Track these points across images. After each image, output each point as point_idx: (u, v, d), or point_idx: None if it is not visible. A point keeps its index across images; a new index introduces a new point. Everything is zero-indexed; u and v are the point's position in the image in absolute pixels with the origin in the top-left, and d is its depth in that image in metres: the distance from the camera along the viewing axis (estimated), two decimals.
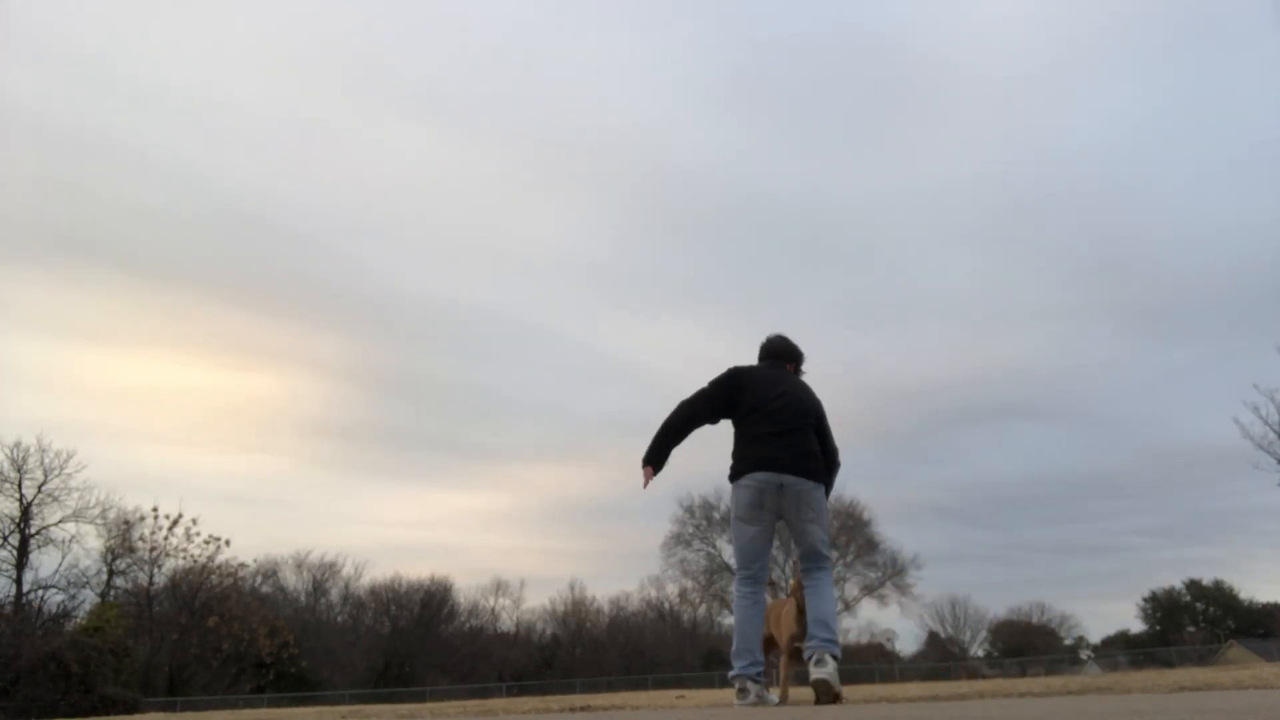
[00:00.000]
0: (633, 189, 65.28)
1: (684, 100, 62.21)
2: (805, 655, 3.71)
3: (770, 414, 4.04)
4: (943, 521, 67.98)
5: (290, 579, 42.36)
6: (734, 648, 3.90)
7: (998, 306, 62.45)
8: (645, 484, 4.08)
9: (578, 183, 63.59)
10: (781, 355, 4.47)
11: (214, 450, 52.22)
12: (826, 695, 3.60)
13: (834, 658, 3.66)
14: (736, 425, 4.17)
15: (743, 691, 3.79)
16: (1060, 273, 62.12)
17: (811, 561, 4.01)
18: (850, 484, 68.94)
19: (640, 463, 4.12)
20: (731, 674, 3.86)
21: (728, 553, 42.12)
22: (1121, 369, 62.17)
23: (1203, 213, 57.67)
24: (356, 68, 58.44)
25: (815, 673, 3.64)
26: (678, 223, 65.01)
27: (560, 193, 62.54)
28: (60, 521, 26.77)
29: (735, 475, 4.04)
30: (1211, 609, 52.56)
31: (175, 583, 30.74)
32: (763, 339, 4.59)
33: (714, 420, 4.21)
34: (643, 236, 64.98)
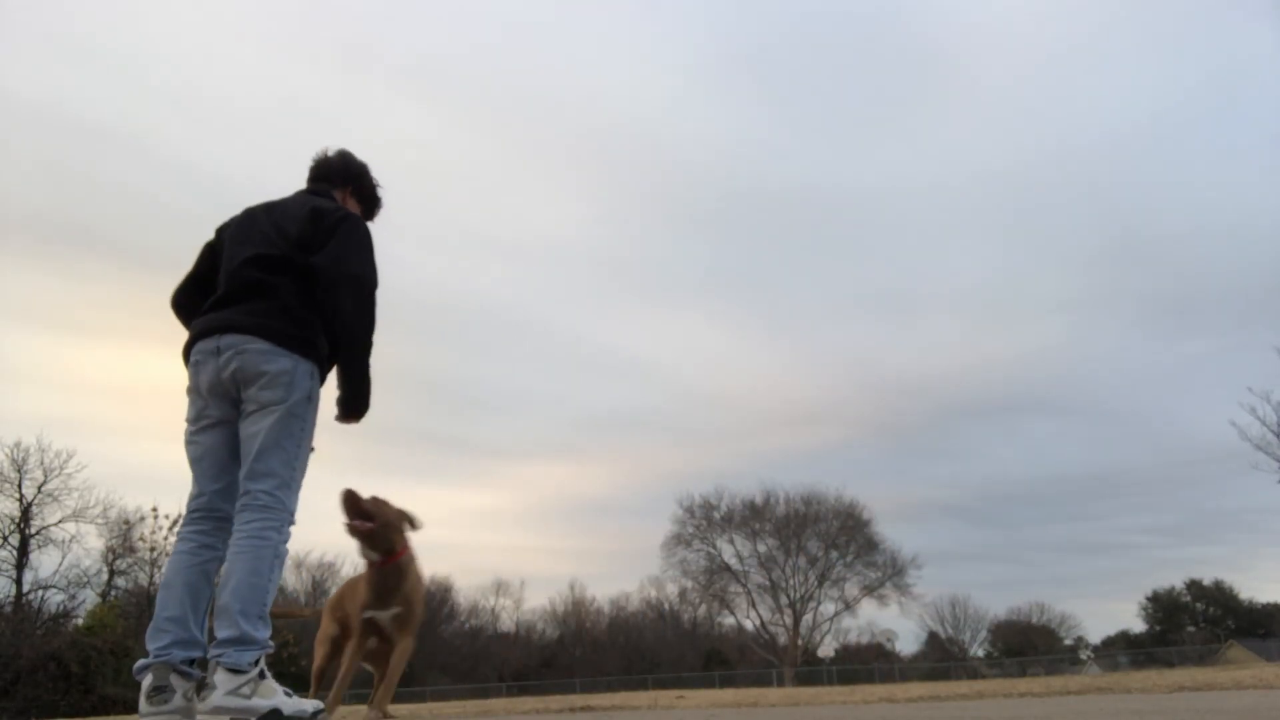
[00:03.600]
0: (635, 177, 64.86)
1: (689, 84, 61.42)
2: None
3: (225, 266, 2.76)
4: (945, 519, 68.00)
5: (289, 579, 42.43)
6: (154, 616, 2.50)
7: (1007, 298, 61.64)
8: None
9: (577, 170, 63.09)
10: (322, 177, 3.09)
11: None
12: None
13: (234, 670, 2.36)
14: None
15: (161, 690, 2.38)
16: (1072, 264, 61.10)
17: (241, 493, 2.55)
18: (851, 482, 69.02)
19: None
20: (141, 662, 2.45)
21: (728, 553, 42.20)
22: (1131, 362, 61.64)
23: (1219, 201, 56.43)
24: (349, 49, 57.97)
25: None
26: (681, 212, 64.25)
27: (559, 180, 62.15)
28: (60, 521, 26.76)
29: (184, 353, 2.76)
30: (1212, 609, 52.56)
31: None
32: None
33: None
34: (644, 226, 64.18)
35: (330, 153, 3.14)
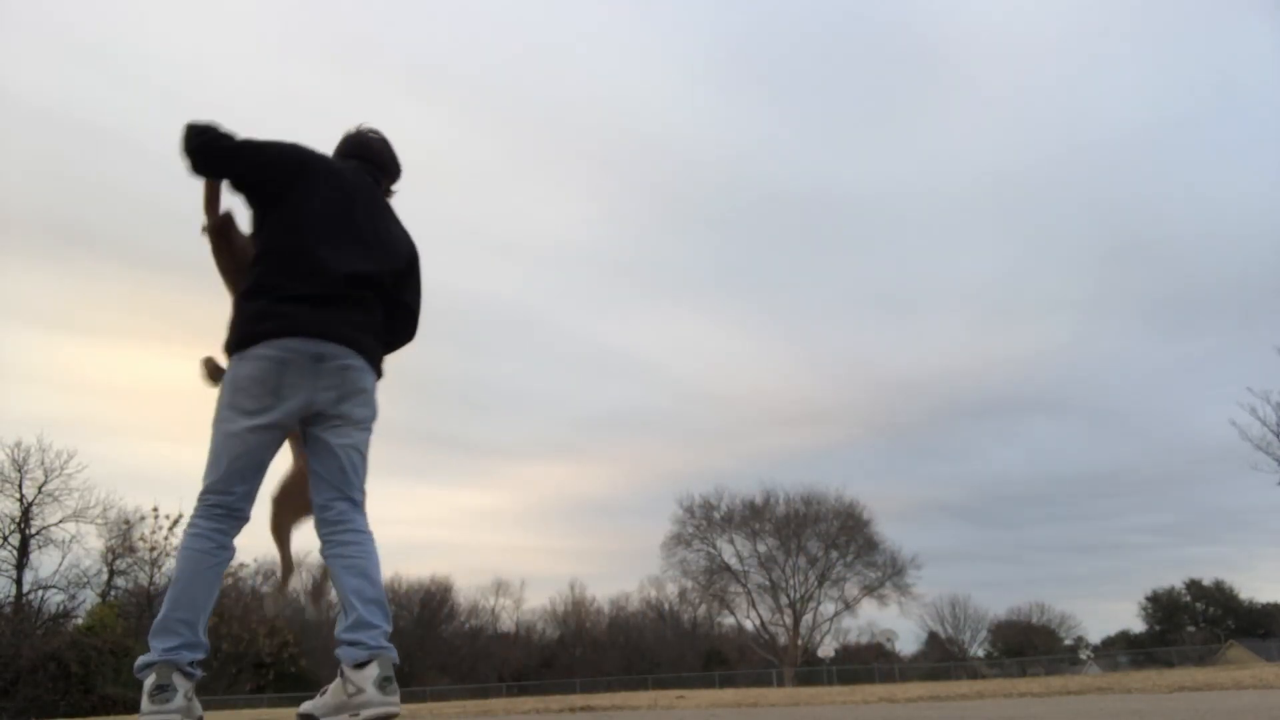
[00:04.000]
0: (637, 176, 64.35)
1: (693, 84, 61.13)
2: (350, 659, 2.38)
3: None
4: (945, 519, 67.94)
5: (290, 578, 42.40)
6: (164, 614, 2.39)
7: (1010, 299, 61.34)
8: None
9: (579, 168, 62.74)
10: (380, 166, 2.94)
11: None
12: None
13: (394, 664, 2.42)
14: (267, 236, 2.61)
15: (164, 690, 2.32)
16: (1075, 265, 60.86)
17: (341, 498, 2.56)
18: (852, 482, 68.92)
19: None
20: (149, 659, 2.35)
21: (728, 553, 42.21)
22: (1133, 362, 61.07)
23: (1223, 201, 55.93)
24: (350, 48, 57.76)
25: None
26: (683, 212, 63.76)
27: (560, 178, 61.94)
28: (60, 521, 26.76)
29: (239, 342, 2.52)
30: (1211, 609, 52.57)
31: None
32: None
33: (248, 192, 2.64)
34: (647, 225, 63.78)
35: (373, 135, 2.97)
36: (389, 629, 2.43)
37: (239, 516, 2.53)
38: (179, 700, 2.33)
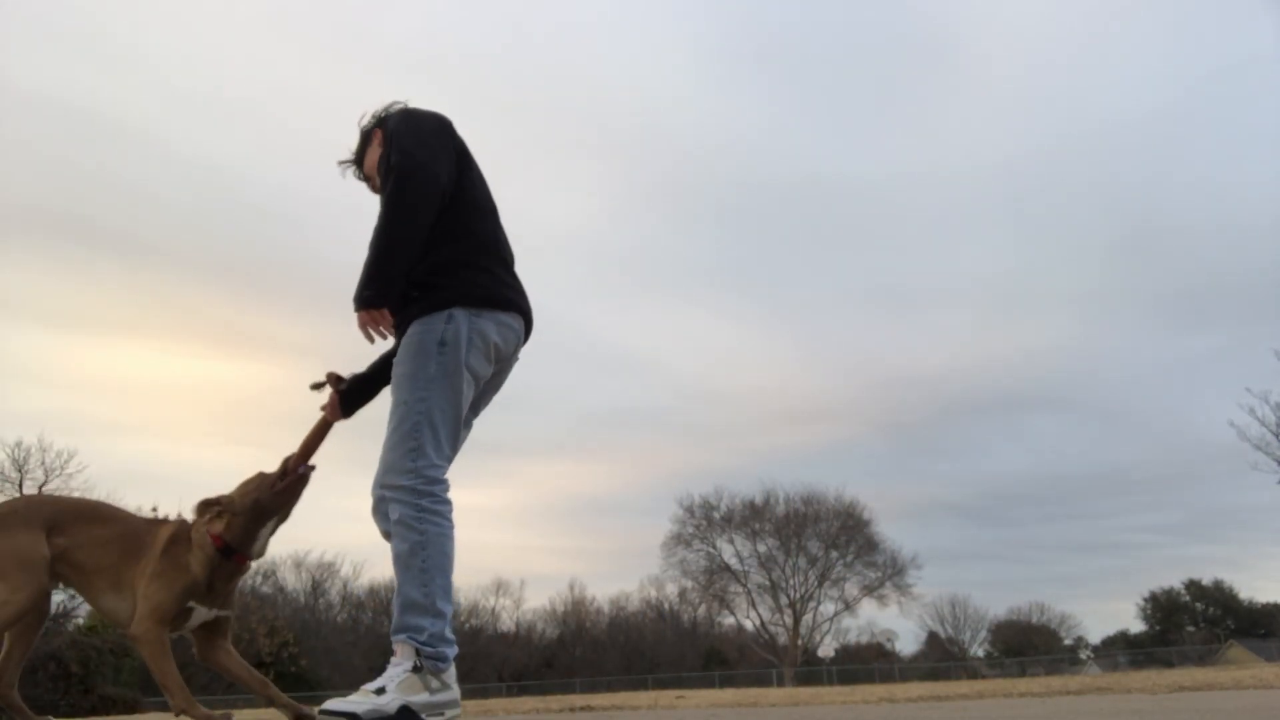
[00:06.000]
0: (638, 165, 63.41)
1: (696, 72, 59.61)
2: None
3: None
4: (946, 518, 67.73)
5: (289, 579, 42.41)
6: (434, 597, 2.15)
7: (1015, 292, 60.46)
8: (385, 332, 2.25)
9: (576, 158, 62.00)
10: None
11: (210, 445, 51.98)
12: None
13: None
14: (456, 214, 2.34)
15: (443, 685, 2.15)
16: (1083, 257, 59.98)
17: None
18: (852, 480, 68.65)
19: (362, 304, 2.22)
20: (428, 649, 2.14)
21: (728, 553, 42.20)
22: (1139, 359, 60.13)
23: (1235, 193, 54.34)
24: (348, 36, 57.10)
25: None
26: (686, 204, 62.47)
27: (557, 168, 61.34)
28: None
29: (487, 299, 2.30)
30: (1211, 609, 52.56)
31: None
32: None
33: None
34: (642, 216, 62.38)
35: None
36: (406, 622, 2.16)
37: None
38: (453, 689, 2.20)
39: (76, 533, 2.60)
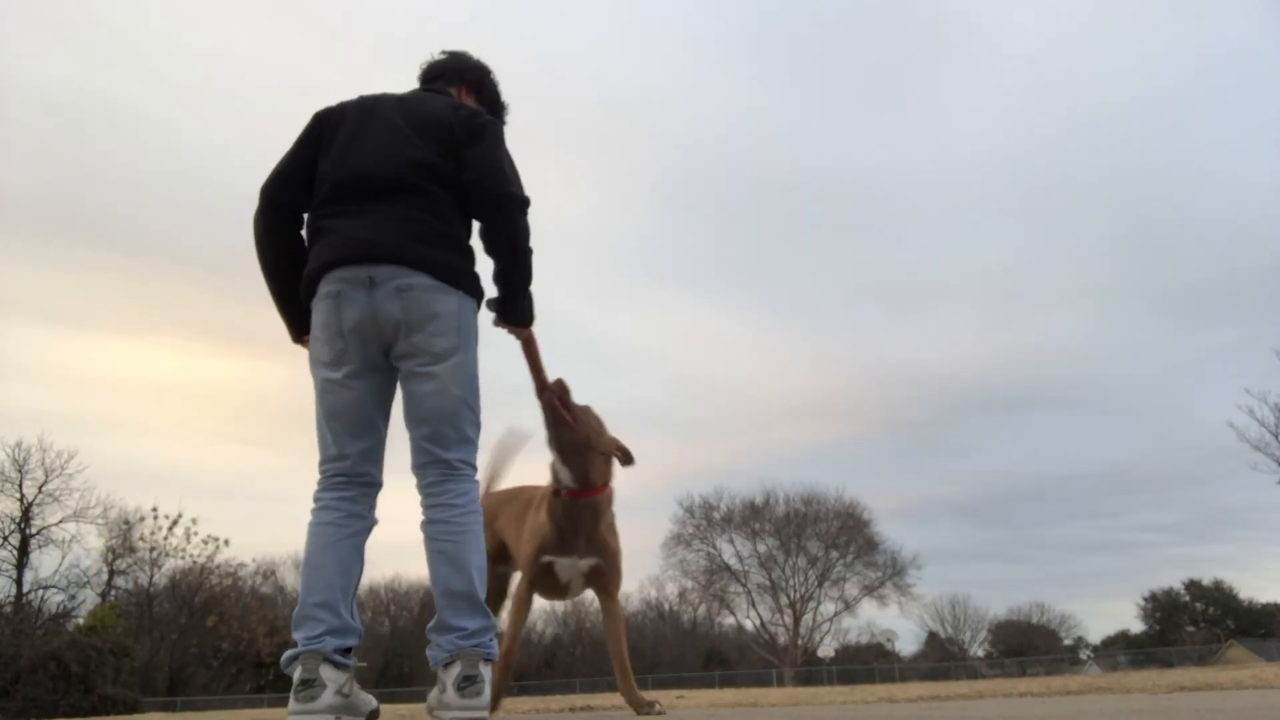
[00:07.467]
0: (636, 156, 63.02)
1: (695, 60, 59.78)
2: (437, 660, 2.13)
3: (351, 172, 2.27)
4: (946, 517, 67.76)
5: (289, 578, 42.37)
6: (300, 603, 2.20)
7: (1020, 287, 59.97)
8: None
9: (575, 151, 61.66)
10: (436, 76, 2.60)
11: (210, 444, 51.94)
12: None
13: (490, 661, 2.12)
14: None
15: (310, 685, 2.07)
16: (1089, 246, 59.05)
17: (433, 461, 2.22)
18: (853, 479, 68.51)
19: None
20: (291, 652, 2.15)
21: (728, 553, 42.17)
22: (1144, 356, 59.70)
23: (1246, 186, 53.61)
24: (339, 21, 56.72)
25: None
26: (683, 194, 62.53)
27: (558, 162, 61.41)
28: (61, 521, 26.79)
29: (308, 284, 2.25)
30: (1211, 609, 52.55)
31: (175, 583, 30.91)
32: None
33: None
34: (644, 210, 62.30)
35: (436, 54, 2.64)
36: (478, 624, 2.10)
37: (365, 481, 2.24)
38: (328, 697, 2.05)
39: None
